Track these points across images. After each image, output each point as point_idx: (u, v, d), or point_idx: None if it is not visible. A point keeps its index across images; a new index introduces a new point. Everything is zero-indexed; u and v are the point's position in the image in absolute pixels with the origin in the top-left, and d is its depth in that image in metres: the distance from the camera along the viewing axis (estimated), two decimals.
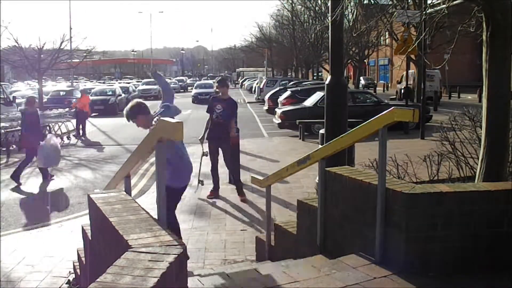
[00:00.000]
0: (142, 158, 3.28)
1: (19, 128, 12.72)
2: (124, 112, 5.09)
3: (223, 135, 8.29)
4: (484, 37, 4.10)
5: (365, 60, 41.63)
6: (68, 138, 17.16)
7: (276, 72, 63.40)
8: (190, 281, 3.17)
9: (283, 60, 53.78)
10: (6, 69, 46.46)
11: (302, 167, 4.38)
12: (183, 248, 2.14)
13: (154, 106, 26.09)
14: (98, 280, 1.80)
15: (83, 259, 4.07)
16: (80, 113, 17.65)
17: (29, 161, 10.51)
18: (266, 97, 25.07)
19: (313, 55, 38.78)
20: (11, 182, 10.50)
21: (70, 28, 30.58)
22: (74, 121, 18.29)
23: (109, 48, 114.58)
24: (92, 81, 61.35)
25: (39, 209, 8.51)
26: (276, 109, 18.54)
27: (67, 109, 18.82)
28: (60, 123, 17.63)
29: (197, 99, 35.10)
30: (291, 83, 30.66)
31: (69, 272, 5.32)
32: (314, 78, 48.28)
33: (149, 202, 7.45)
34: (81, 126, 17.73)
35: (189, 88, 56.15)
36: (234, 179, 8.68)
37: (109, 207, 2.83)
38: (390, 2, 22.46)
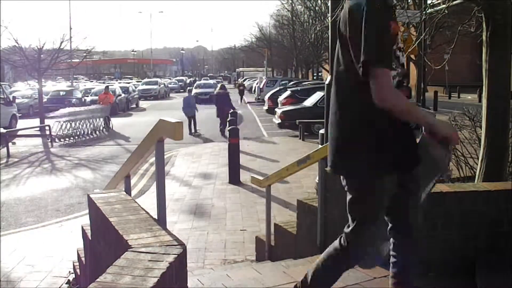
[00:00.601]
0: (142, 158, 3.28)
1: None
2: None
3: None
4: (484, 37, 4.10)
5: None
6: (108, 130, 19.11)
7: (276, 72, 63.36)
8: (190, 281, 3.17)
9: (283, 60, 53.72)
10: (6, 69, 46.37)
11: (302, 167, 4.37)
12: (183, 248, 2.14)
13: (154, 106, 26.12)
14: (98, 280, 1.80)
15: (83, 259, 4.07)
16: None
17: (225, 124, 14.43)
18: (266, 97, 25.06)
19: (313, 55, 38.76)
20: (11, 182, 10.52)
21: (70, 28, 30.51)
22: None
23: (109, 48, 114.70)
24: (92, 81, 61.28)
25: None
26: (276, 109, 18.54)
27: (99, 106, 19.51)
28: (97, 118, 18.96)
29: (197, 99, 35.13)
30: (291, 83, 30.64)
31: (69, 272, 5.32)
32: (314, 78, 48.26)
33: (149, 202, 7.45)
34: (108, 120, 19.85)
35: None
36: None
37: (109, 207, 2.83)
38: None
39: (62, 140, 16.61)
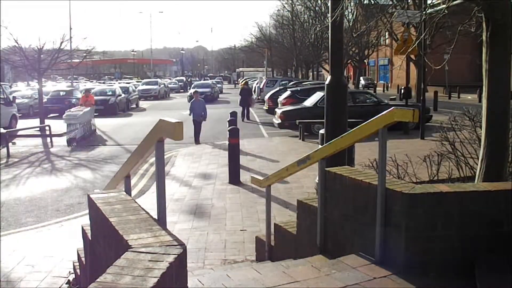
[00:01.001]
0: (142, 158, 3.28)
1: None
2: None
3: None
4: (484, 37, 4.10)
5: (365, 60, 41.63)
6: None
7: (276, 72, 63.39)
8: (190, 281, 3.17)
9: (283, 60, 53.76)
10: (6, 69, 46.37)
11: (302, 167, 4.37)
12: (183, 248, 2.14)
13: (154, 106, 26.03)
14: (98, 280, 1.80)
15: (83, 259, 4.07)
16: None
17: (248, 111, 22.36)
18: (266, 97, 25.06)
19: (313, 55, 38.78)
20: (11, 182, 10.52)
21: (70, 28, 30.58)
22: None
23: (109, 48, 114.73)
24: (92, 81, 61.25)
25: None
26: (276, 109, 18.54)
27: (89, 109, 19.38)
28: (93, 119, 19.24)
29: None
30: (292, 83, 30.63)
31: (69, 272, 5.32)
32: (315, 76, 48.32)
33: (149, 202, 7.45)
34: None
35: (188, 88, 56.40)
36: None
37: (109, 207, 2.83)
38: (390, 2, 22.45)
39: (83, 141, 16.69)
